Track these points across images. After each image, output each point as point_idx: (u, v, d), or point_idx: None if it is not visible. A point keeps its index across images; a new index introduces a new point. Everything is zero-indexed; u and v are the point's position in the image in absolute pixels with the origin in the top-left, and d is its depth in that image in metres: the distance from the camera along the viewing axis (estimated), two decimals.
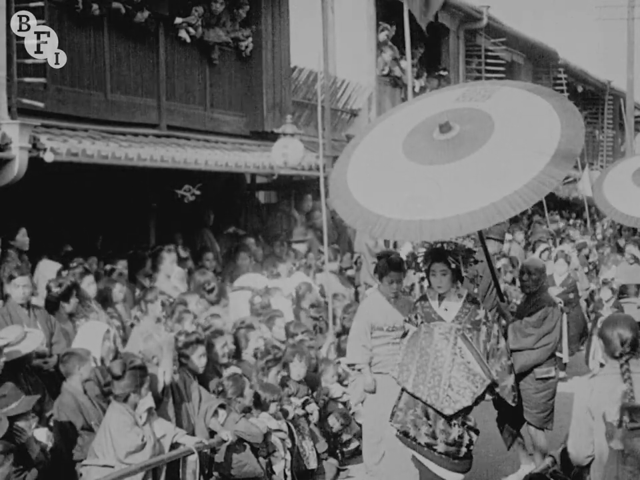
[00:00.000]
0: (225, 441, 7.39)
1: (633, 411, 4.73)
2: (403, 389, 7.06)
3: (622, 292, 11.83)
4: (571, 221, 22.45)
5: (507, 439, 7.96)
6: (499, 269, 12.83)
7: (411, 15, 12.74)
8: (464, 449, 6.97)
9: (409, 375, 6.98)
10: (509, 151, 6.41)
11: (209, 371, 8.03)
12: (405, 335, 7.26)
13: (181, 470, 6.98)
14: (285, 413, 8.16)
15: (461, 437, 6.95)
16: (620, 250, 13.40)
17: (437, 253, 7.02)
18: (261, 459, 7.66)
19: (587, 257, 15.76)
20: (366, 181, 6.79)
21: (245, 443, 7.56)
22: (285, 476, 7.88)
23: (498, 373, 7.07)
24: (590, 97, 28.81)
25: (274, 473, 7.81)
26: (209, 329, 8.55)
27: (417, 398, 6.93)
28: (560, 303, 12.00)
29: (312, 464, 8.23)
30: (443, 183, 6.34)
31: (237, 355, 8.67)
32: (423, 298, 7.24)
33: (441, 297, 7.10)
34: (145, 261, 10.35)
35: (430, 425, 6.92)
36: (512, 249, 15.74)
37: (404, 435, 7.02)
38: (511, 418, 7.84)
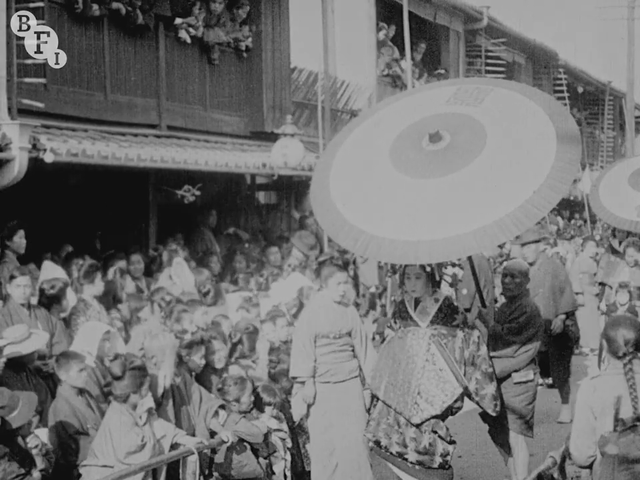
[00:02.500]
0: (225, 442, 7.37)
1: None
2: (377, 397, 6.89)
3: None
4: (572, 221, 22.43)
5: (500, 450, 7.69)
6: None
7: (410, 15, 12.74)
8: (438, 458, 6.74)
9: (381, 381, 6.82)
10: (504, 164, 6.15)
11: (207, 371, 8.01)
12: (384, 340, 7.11)
13: (180, 470, 6.96)
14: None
15: (432, 444, 6.71)
16: (614, 252, 13.25)
17: None
18: (261, 459, 7.65)
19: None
20: (350, 190, 6.49)
21: (245, 444, 7.54)
22: (285, 476, 7.85)
23: (478, 380, 6.82)
24: (590, 97, 28.80)
25: (274, 473, 7.78)
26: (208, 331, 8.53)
27: (388, 405, 6.77)
28: None
29: None
30: (434, 199, 6.10)
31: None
32: (401, 302, 7.06)
33: (416, 301, 6.93)
34: (155, 260, 10.39)
35: (400, 433, 6.73)
36: (512, 250, 15.69)
37: (376, 444, 6.86)
38: (499, 428, 7.56)
